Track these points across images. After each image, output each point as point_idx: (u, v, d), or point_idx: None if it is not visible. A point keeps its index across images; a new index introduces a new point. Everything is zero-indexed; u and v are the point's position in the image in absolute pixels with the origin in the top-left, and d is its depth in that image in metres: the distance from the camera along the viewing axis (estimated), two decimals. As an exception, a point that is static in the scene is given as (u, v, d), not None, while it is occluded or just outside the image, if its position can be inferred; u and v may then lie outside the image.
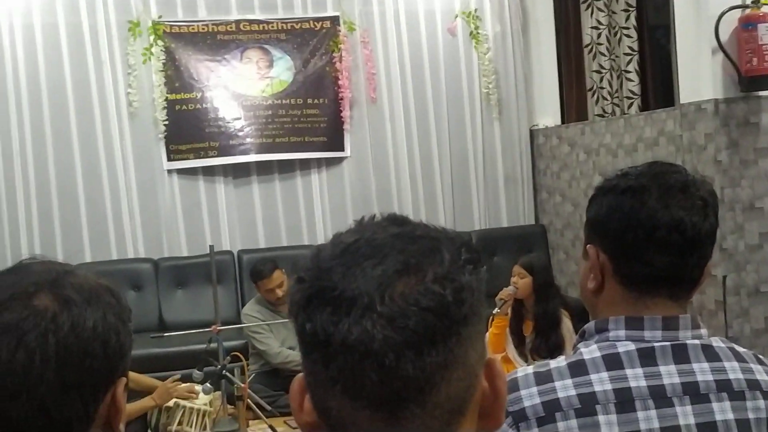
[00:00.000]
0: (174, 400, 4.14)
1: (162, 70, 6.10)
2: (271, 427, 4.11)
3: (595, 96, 6.53)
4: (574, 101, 6.71)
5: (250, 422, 4.36)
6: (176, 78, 6.14)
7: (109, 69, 6.07)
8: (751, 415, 1.34)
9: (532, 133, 6.84)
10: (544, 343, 4.42)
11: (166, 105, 6.09)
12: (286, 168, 6.41)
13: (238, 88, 6.23)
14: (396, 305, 0.74)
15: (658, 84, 6.72)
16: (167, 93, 6.10)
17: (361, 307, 0.74)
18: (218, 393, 4.26)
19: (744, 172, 4.45)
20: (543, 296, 4.51)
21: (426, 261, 0.76)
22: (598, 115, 6.40)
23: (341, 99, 6.38)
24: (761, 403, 1.35)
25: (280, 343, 5.03)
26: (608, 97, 6.47)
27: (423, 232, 0.80)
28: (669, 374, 1.34)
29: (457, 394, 0.77)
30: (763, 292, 4.47)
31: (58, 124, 6.00)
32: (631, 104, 6.37)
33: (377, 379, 0.74)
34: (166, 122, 6.09)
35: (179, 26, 6.15)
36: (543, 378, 1.35)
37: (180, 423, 4.10)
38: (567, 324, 4.49)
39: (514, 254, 5.59)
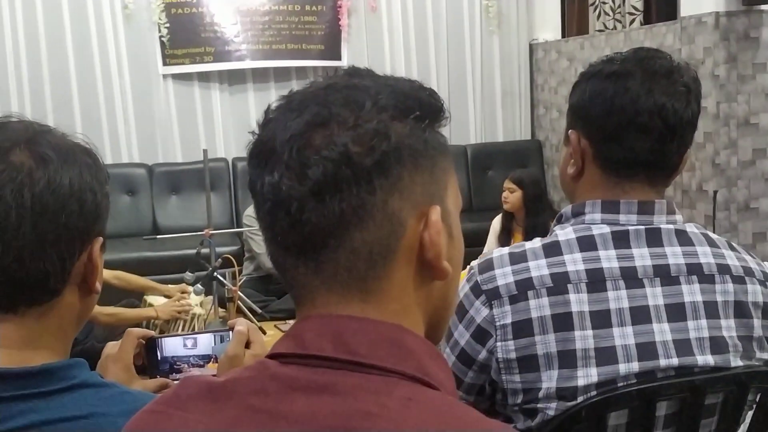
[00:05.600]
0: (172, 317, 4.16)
1: (158, -28, 5.99)
2: (261, 328, 4.15)
3: (597, 11, 6.43)
4: (575, 15, 6.61)
5: (241, 325, 4.40)
6: (172, -20, 6.03)
7: (104, -31, 5.97)
8: (719, 298, 1.37)
9: (532, 47, 6.76)
10: (534, 255, 4.47)
11: (164, 8, 6.00)
12: (282, 75, 6.35)
13: (235, -7, 6.13)
14: (302, 156, 0.76)
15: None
16: (164, -5, 6.01)
17: (274, 159, 0.78)
18: (210, 297, 4.30)
19: (741, 87, 4.42)
20: (533, 210, 4.54)
21: (341, 111, 0.78)
22: (599, 31, 6.32)
23: (339, 7, 6.28)
24: (730, 287, 1.38)
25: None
26: (610, 12, 6.36)
27: (358, 82, 0.81)
28: (641, 256, 1.36)
29: (377, 240, 0.79)
30: (752, 208, 4.49)
31: (52, 27, 5.91)
32: (633, 20, 6.28)
33: (287, 226, 0.78)
34: (168, 25, 6.01)
35: (175, -74, 6.02)
36: (517, 258, 1.37)
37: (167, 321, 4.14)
38: (557, 236, 4.54)
39: (509, 169, 5.58)
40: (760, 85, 4.43)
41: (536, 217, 4.55)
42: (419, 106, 0.81)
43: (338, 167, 0.76)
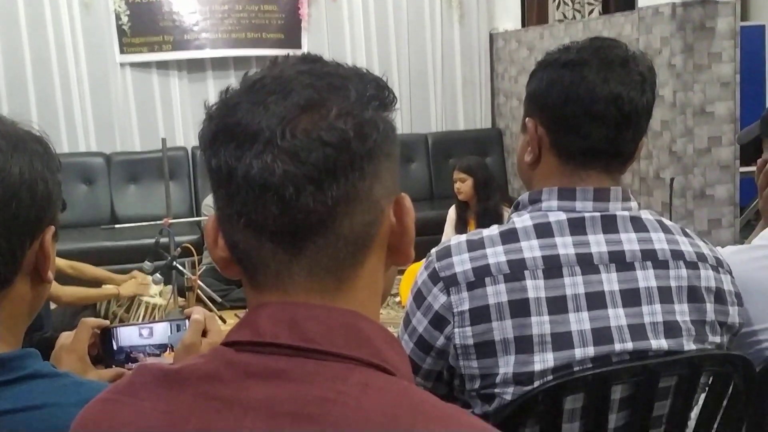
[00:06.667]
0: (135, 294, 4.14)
1: (114, -41, 5.91)
2: (221, 317, 4.13)
3: (557, 1, 6.48)
4: (535, 5, 6.66)
5: (201, 314, 4.37)
6: (129, -33, 5.95)
7: (59, -44, 5.87)
8: (673, 283, 1.38)
9: (492, 37, 6.78)
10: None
11: (121, -4, 5.93)
12: (242, 64, 6.30)
13: (194, -19, 6.07)
14: (297, 140, 0.75)
15: (620, -10, 6.68)
16: (121, -17, 5.93)
17: (262, 141, 0.75)
18: (169, 287, 4.27)
19: (697, 76, 4.47)
20: (483, 195, 4.57)
21: (330, 97, 0.77)
22: (559, 21, 6.37)
23: (299, -5, 6.26)
24: (683, 272, 1.40)
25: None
26: (569, 2, 6.43)
27: (332, 69, 0.81)
28: (597, 243, 1.37)
29: (362, 227, 0.79)
30: (708, 195, 4.56)
31: (6, 13, 5.82)
32: (592, 10, 6.35)
33: (278, 212, 0.76)
34: (128, 13, 5.93)
35: None
36: (475, 245, 1.38)
37: (127, 311, 4.11)
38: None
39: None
40: (715, 75, 4.49)
41: (487, 201, 4.57)
42: (393, 96, 0.83)
43: (338, 153, 0.75)
